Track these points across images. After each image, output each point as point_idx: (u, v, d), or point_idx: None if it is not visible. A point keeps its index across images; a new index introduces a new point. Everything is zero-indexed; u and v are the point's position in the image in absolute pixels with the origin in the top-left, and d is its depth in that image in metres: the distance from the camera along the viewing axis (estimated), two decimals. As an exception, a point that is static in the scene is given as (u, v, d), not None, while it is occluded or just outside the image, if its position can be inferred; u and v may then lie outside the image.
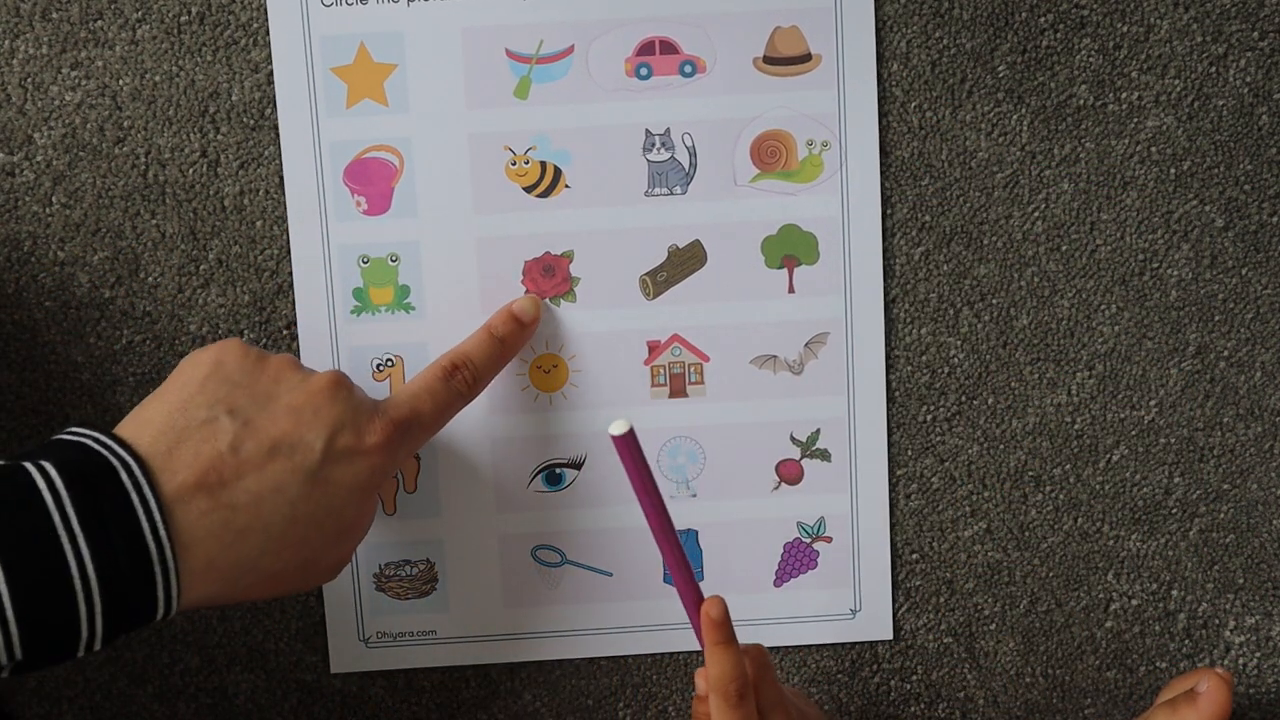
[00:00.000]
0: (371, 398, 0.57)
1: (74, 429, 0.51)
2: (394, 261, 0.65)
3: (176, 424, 0.52)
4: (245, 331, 0.65)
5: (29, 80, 0.63)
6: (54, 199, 0.64)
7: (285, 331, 0.65)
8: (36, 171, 0.64)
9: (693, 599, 0.58)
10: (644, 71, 0.64)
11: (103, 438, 0.50)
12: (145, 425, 0.52)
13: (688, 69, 0.64)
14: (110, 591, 0.47)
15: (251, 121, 0.64)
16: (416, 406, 0.58)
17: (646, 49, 0.64)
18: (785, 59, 0.64)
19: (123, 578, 0.48)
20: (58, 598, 0.46)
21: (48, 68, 0.63)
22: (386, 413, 0.56)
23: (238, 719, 0.68)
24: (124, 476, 0.49)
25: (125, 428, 0.52)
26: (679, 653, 0.68)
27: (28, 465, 0.48)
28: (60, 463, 0.48)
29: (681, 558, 0.58)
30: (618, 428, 0.55)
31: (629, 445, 0.56)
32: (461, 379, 0.60)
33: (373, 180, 0.64)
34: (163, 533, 0.49)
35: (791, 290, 0.66)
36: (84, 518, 0.47)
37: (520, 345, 0.64)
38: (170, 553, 0.49)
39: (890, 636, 0.69)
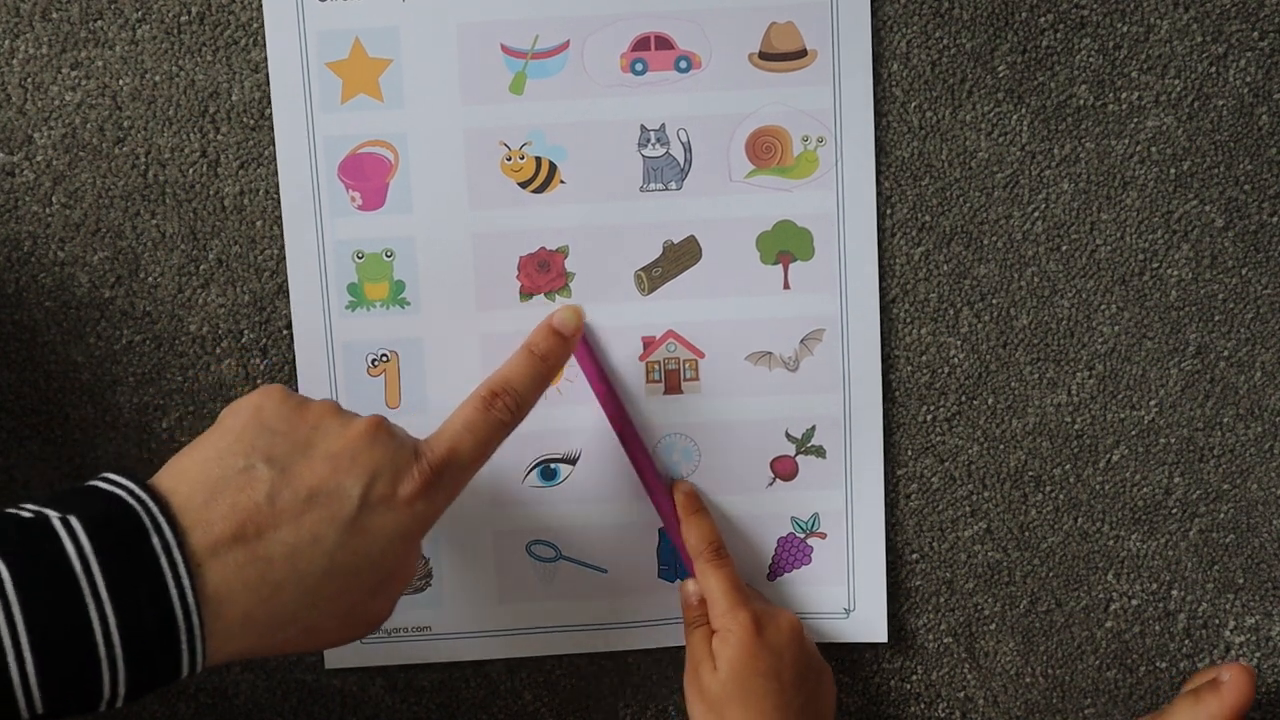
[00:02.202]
0: (413, 440, 0.55)
1: (109, 476, 0.50)
2: (389, 257, 0.65)
3: (213, 474, 0.50)
4: (245, 331, 0.65)
5: (29, 80, 0.63)
6: (54, 199, 0.64)
7: (285, 331, 0.65)
8: (36, 171, 0.64)
9: (659, 486, 0.65)
10: (639, 67, 0.64)
11: (138, 490, 0.49)
12: (182, 476, 0.50)
13: (683, 64, 0.64)
14: (133, 652, 0.46)
15: (251, 121, 0.64)
16: (455, 446, 0.55)
17: (642, 44, 0.64)
18: (781, 55, 0.64)
19: (147, 638, 0.46)
20: (80, 657, 0.45)
21: (48, 68, 0.63)
22: (424, 457, 0.54)
23: (237, 719, 0.68)
24: (154, 538, 0.47)
25: (163, 477, 0.51)
26: (678, 650, 0.68)
27: (54, 520, 0.47)
28: (88, 518, 0.47)
29: (641, 446, 0.65)
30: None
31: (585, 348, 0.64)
32: (502, 406, 0.57)
33: (368, 175, 0.65)
34: (190, 596, 0.47)
35: (787, 286, 0.66)
36: (110, 580, 0.46)
37: (564, 360, 0.62)
38: (197, 617, 0.47)
39: (885, 639, 0.69)
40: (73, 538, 0.46)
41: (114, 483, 0.49)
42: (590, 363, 0.65)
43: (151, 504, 0.48)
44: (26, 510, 0.47)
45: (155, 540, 0.47)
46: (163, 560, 0.47)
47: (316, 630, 0.52)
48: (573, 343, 0.63)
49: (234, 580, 0.48)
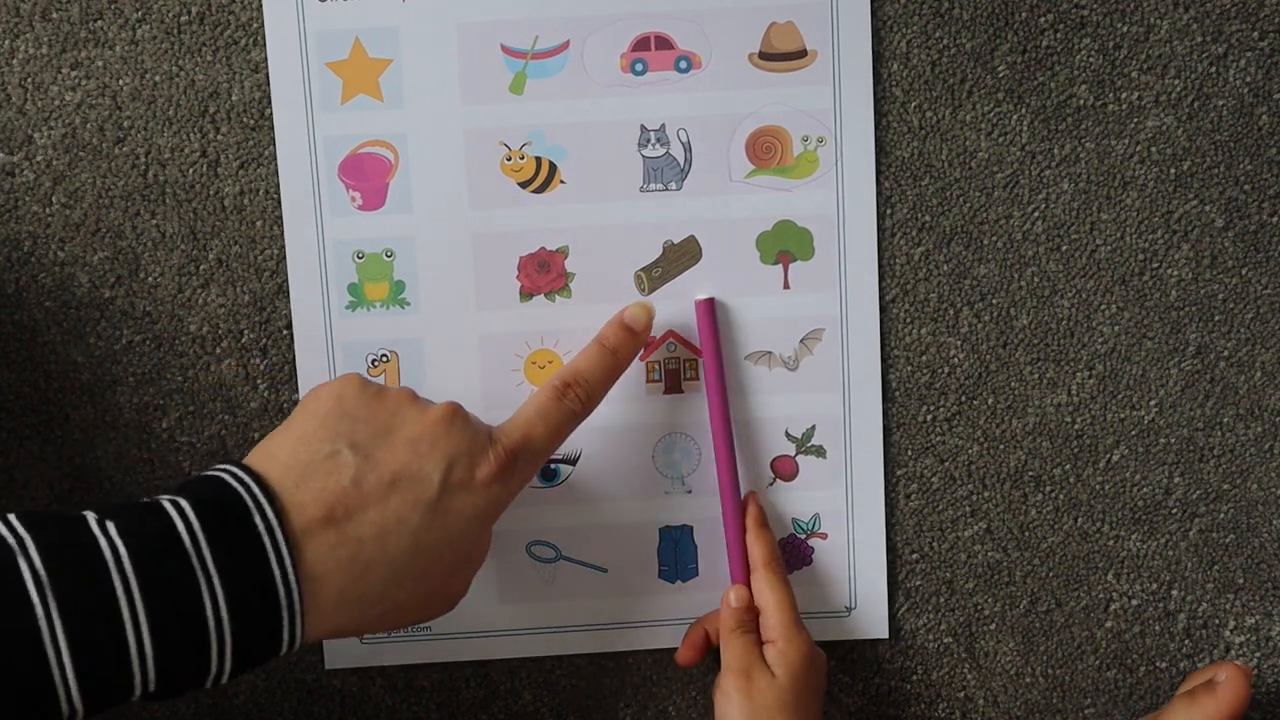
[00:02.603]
0: (487, 426, 0.57)
1: (216, 466, 0.52)
2: (389, 257, 0.65)
3: (300, 458, 0.52)
4: (245, 331, 0.65)
5: (29, 80, 0.63)
6: (54, 199, 0.64)
7: (285, 331, 0.65)
8: (36, 171, 0.64)
9: (731, 488, 0.65)
10: (639, 67, 0.64)
11: (239, 473, 0.51)
12: (272, 460, 0.52)
13: (683, 65, 0.64)
14: (240, 627, 0.48)
15: (251, 121, 0.64)
16: (529, 432, 0.57)
17: (642, 45, 0.64)
18: (781, 55, 0.64)
19: (253, 614, 0.49)
20: (192, 635, 0.47)
21: (48, 68, 0.63)
22: (499, 442, 0.56)
23: (237, 719, 0.68)
24: (257, 518, 0.49)
25: (253, 462, 0.53)
26: (676, 649, 0.68)
27: (164, 501, 0.49)
28: (195, 499, 0.49)
29: (730, 446, 0.65)
30: (702, 294, 0.64)
31: (708, 312, 0.64)
32: (574, 397, 0.59)
33: (368, 176, 0.65)
34: (291, 573, 0.49)
35: (787, 286, 0.66)
36: (218, 557, 0.48)
37: (634, 355, 0.63)
38: (297, 593, 0.50)
39: (886, 635, 0.69)
40: (183, 517, 0.48)
41: (217, 468, 0.52)
42: (712, 345, 0.65)
43: (254, 485, 0.50)
44: (144, 499, 0.50)
45: (258, 520, 0.49)
46: (265, 539, 0.49)
47: (402, 609, 0.54)
48: (643, 338, 0.63)
49: (328, 560, 0.51)
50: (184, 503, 0.49)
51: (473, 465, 0.54)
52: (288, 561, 0.49)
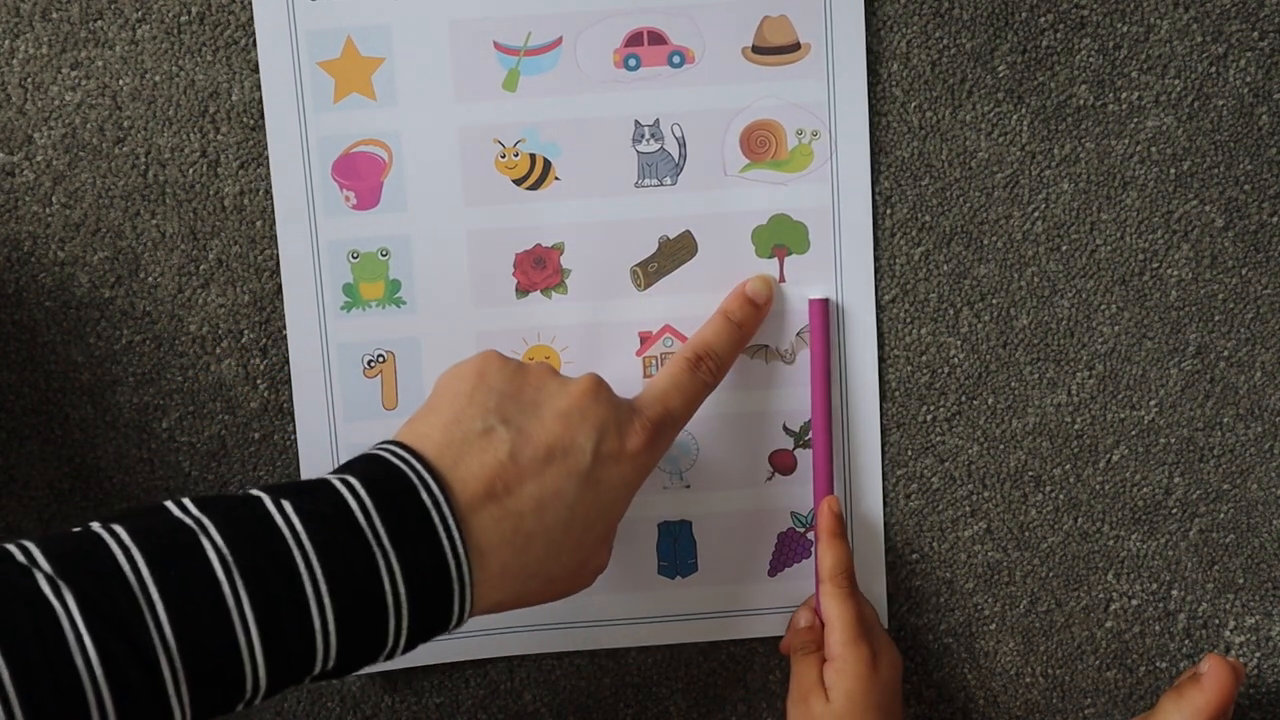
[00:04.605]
0: (626, 399, 0.58)
1: (376, 446, 0.53)
2: (384, 256, 0.65)
3: (454, 437, 0.53)
4: (245, 331, 0.65)
5: (29, 80, 0.64)
6: (54, 199, 0.64)
7: (285, 331, 0.65)
8: (36, 171, 0.64)
9: (824, 486, 0.66)
10: (633, 62, 0.64)
11: (400, 451, 0.52)
12: (425, 440, 0.53)
13: (676, 59, 0.64)
14: (415, 602, 0.49)
15: (251, 121, 0.64)
16: (668, 404, 0.58)
17: (635, 40, 0.64)
18: (774, 48, 0.64)
19: (427, 590, 0.50)
20: (372, 610, 0.49)
21: (48, 68, 0.63)
22: (643, 413, 0.57)
23: (238, 719, 0.68)
24: (424, 494, 0.50)
25: (408, 440, 0.53)
26: (678, 650, 0.68)
27: (334, 480, 0.50)
28: (365, 477, 0.50)
29: (828, 445, 0.66)
30: (818, 293, 0.65)
31: (821, 312, 0.65)
32: (706, 369, 0.61)
33: (362, 175, 0.65)
34: (460, 547, 0.50)
35: (782, 280, 0.66)
36: (390, 531, 0.49)
37: (757, 326, 0.65)
38: (467, 566, 0.51)
39: (884, 629, 0.69)
40: (354, 495, 0.50)
41: (377, 447, 0.53)
42: (821, 339, 0.66)
43: (417, 464, 0.52)
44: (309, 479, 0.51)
45: (425, 495, 0.51)
46: (435, 515, 0.50)
47: (555, 581, 0.55)
48: (765, 310, 0.64)
49: (492, 533, 0.52)
50: (355, 481, 0.50)
51: (622, 436, 0.55)
52: (456, 536, 0.50)
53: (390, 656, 0.51)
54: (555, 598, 0.56)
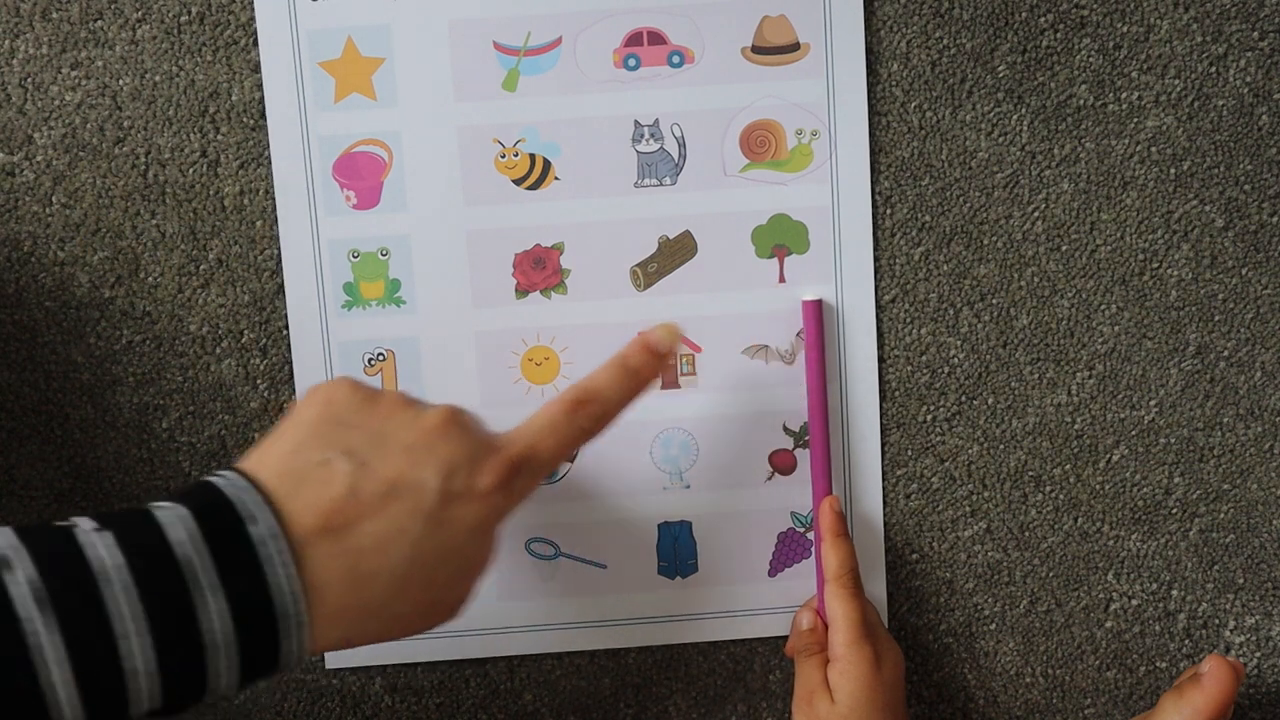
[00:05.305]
0: (489, 432, 0.54)
1: (212, 473, 0.51)
2: (384, 256, 0.65)
3: (293, 467, 0.50)
4: (245, 331, 0.65)
5: (29, 80, 0.64)
6: (54, 199, 0.64)
7: (285, 331, 0.65)
8: (36, 171, 0.64)
9: (823, 487, 0.66)
10: (632, 62, 0.64)
11: (236, 479, 0.49)
12: (264, 468, 0.50)
13: (676, 59, 0.64)
14: (244, 640, 0.47)
15: (251, 121, 0.64)
16: (535, 444, 0.54)
17: (634, 40, 0.64)
18: (774, 48, 0.65)
19: (257, 628, 0.47)
20: (194, 649, 0.46)
21: (48, 68, 0.63)
22: (503, 450, 0.53)
23: (237, 719, 0.68)
24: (256, 527, 0.48)
25: (247, 468, 0.51)
26: (678, 650, 0.68)
27: (161, 510, 0.47)
28: (197, 508, 0.48)
29: (825, 445, 0.65)
30: (811, 294, 0.64)
31: (814, 313, 0.64)
32: (587, 415, 0.55)
33: (362, 174, 0.65)
34: (294, 583, 0.48)
35: (782, 280, 0.66)
36: (221, 569, 0.47)
37: (655, 377, 0.59)
38: (302, 603, 0.48)
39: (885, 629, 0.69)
40: (184, 525, 0.47)
41: (214, 474, 0.50)
42: (816, 340, 0.65)
43: (253, 492, 0.49)
44: (140, 506, 0.48)
45: (257, 527, 0.48)
46: (266, 548, 0.47)
47: (403, 620, 0.52)
48: (666, 361, 0.59)
49: (330, 570, 0.49)
50: (185, 510, 0.47)
51: (473, 474, 0.52)
52: (291, 571, 0.48)
53: (225, 696, 0.48)
54: (409, 634, 0.53)
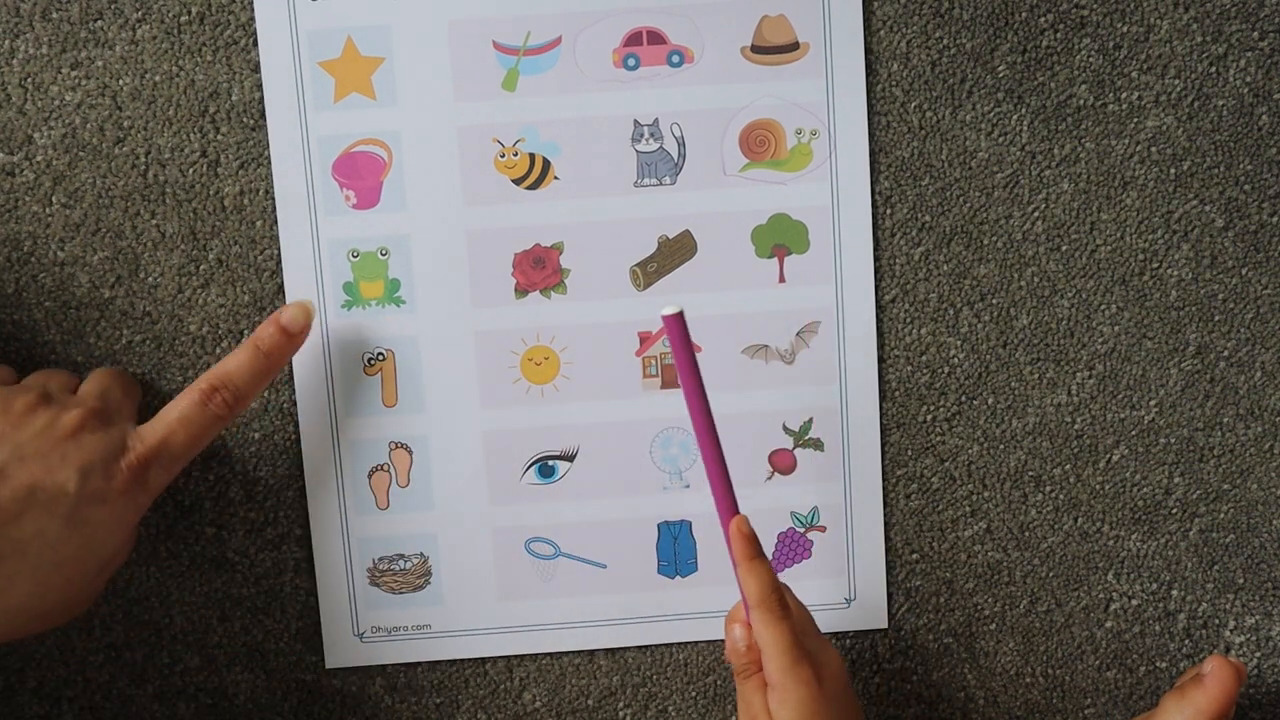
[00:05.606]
0: (122, 430, 0.57)
1: None
2: (384, 255, 0.65)
3: None
4: (245, 331, 0.65)
5: (29, 80, 0.64)
6: (54, 199, 0.64)
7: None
8: (36, 171, 0.64)
9: (727, 506, 0.60)
10: (632, 62, 0.64)
11: None
12: None
13: (675, 59, 0.64)
14: None
15: (251, 121, 0.64)
16: (167, 438, 0.57)
17: (634, 39, 0.64)
18: (773, 48, 0.65)
19: None
20: None
21: (48, 68, 0.63)
22: (134, 449, 0.56)
23: (238, 718, 0.68)
24: None
25: None
26: (678, 650, 0.68)
27: None
28: None
29: (718, 456, 0.59)
30: (669, 309, 0.57)
31: (678, 327, 0.58)
32: (220, 401, 0.59)
33: (362, 174, 0.65)
34: None
35: (782, 279, 0.66)
36: None
37: (287, 358, 0.62)
38: None
39: (885, 625, 0.69)
40: None
41: None
42: (685, 355, 0.59)
43: None
44: None
45: None
46: None
47: (44, 617, 0.54)
48: (299, 341, 0.62)
49: None
50: None
51: (108, 475, 0.54)
52: None
53: None
54: (46, 629, 0.56)
